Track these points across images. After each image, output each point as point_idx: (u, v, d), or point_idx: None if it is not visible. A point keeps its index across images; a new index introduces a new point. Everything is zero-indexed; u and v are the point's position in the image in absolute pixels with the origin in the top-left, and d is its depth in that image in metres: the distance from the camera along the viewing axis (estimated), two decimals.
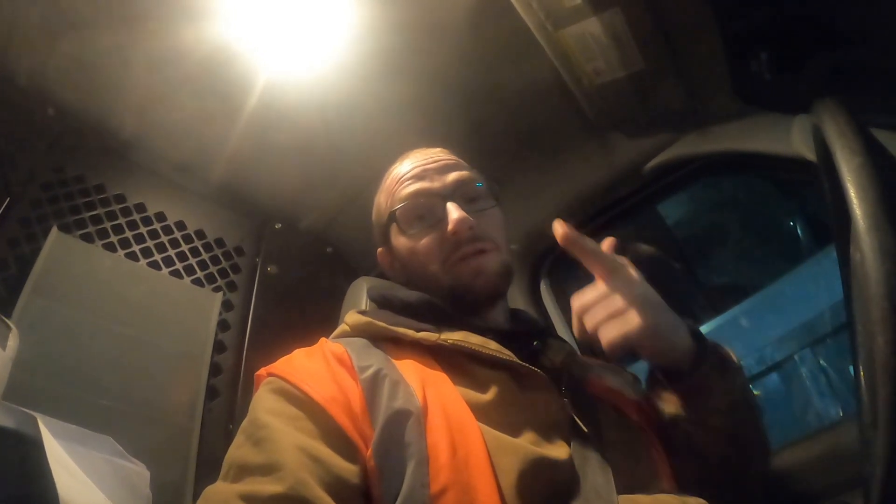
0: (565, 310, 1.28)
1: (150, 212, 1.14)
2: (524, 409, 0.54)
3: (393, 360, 0.57)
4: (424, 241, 0.67)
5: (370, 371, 0.54)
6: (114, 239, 1.05)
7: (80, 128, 1.09)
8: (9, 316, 0.80)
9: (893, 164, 0.53)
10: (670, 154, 1.07)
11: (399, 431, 0.48)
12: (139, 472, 0.72)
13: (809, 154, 0.78)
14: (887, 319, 0.38)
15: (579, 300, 0.56)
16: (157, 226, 1.14)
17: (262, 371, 0.58)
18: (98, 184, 1.08)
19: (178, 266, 1.13)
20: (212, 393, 1.05)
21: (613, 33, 0.86)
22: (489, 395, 0.54)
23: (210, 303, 1.13)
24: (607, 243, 0.60)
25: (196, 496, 0.73)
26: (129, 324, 0.98)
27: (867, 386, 0.42)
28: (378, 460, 0.47)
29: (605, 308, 0.54)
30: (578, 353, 0.72)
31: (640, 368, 0.69)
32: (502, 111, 1.10)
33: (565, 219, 0.58)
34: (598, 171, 1.17)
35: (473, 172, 0.72)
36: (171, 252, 1.13)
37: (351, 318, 0.66)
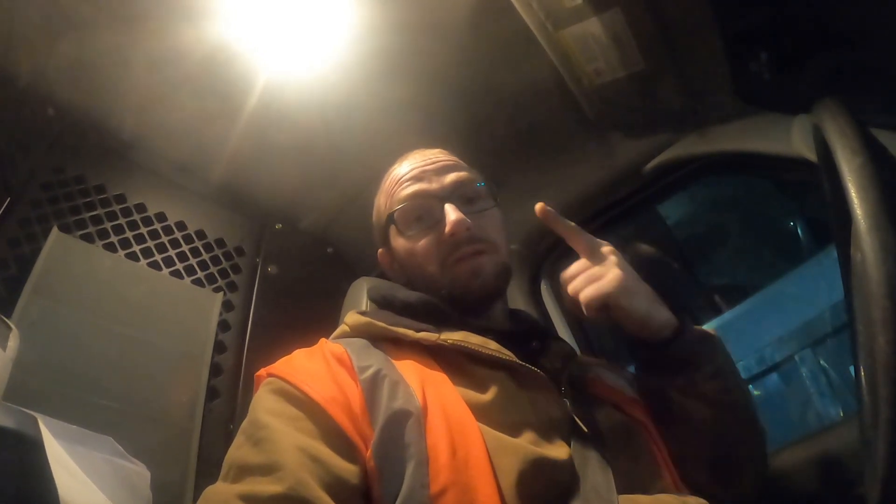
0: (565, 310, 1.28)
1: (151, 212, 1.14)
2: (524, 409, 0.54)
3: (393, 361, 0.57)
4: (423, 243, 0.67)
5: (370, 371, 0.54)
6: (114, 239, 1.05)
7: (81, 128, 1.09)
8: (9, 316, 0.80)
9: (894, 164, 0.53)
10: (670, 154, 1.07)
11: (399, 432, 0.48)
12: (139, 473, 0.72)
13: (810, 154, 0.78)
14: (888, 319, 0.38)
15: (565, 272, 0.64)
16: (157, 226, 1.14)
17: (262, 371, 0.58)
18: (98, 184, 1.08)
19: (179, 266, 1.13)
20: (212, 393, 1.05)
21: (613, 33, 0.86)
22: (489, 395, 0.54)
23: (210, 303, 1.13)
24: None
25: (196, 496, 0.73)
26: (129, 324, 0.98)
27: (868, 386, 0.42)
28: (378, 461, 0.47)
29: (586, 275, 0.61)
30: (578, 353, 0.72)
31: None
32: (502, 111, 1.10)
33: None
34: (598, 171, 1.17)
35: (472, 173, 0.72)
36: (172, 252, 1.13)
37: (351, 318, 0.67)
